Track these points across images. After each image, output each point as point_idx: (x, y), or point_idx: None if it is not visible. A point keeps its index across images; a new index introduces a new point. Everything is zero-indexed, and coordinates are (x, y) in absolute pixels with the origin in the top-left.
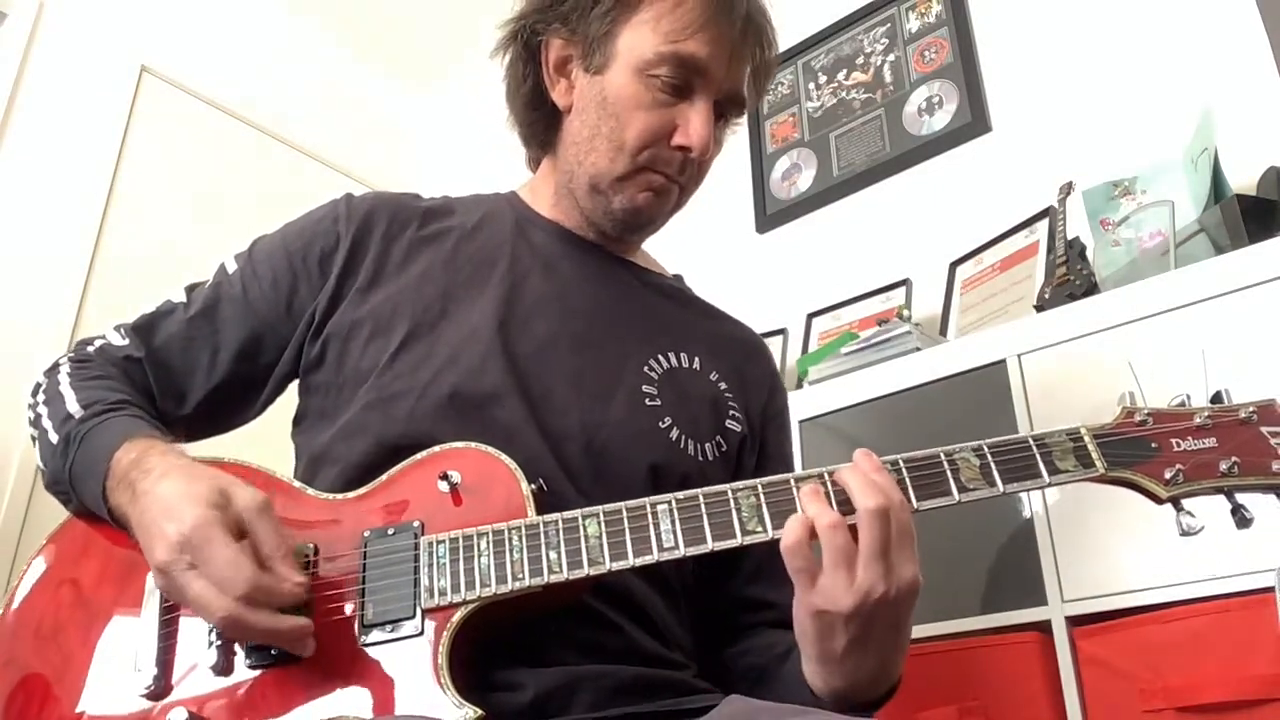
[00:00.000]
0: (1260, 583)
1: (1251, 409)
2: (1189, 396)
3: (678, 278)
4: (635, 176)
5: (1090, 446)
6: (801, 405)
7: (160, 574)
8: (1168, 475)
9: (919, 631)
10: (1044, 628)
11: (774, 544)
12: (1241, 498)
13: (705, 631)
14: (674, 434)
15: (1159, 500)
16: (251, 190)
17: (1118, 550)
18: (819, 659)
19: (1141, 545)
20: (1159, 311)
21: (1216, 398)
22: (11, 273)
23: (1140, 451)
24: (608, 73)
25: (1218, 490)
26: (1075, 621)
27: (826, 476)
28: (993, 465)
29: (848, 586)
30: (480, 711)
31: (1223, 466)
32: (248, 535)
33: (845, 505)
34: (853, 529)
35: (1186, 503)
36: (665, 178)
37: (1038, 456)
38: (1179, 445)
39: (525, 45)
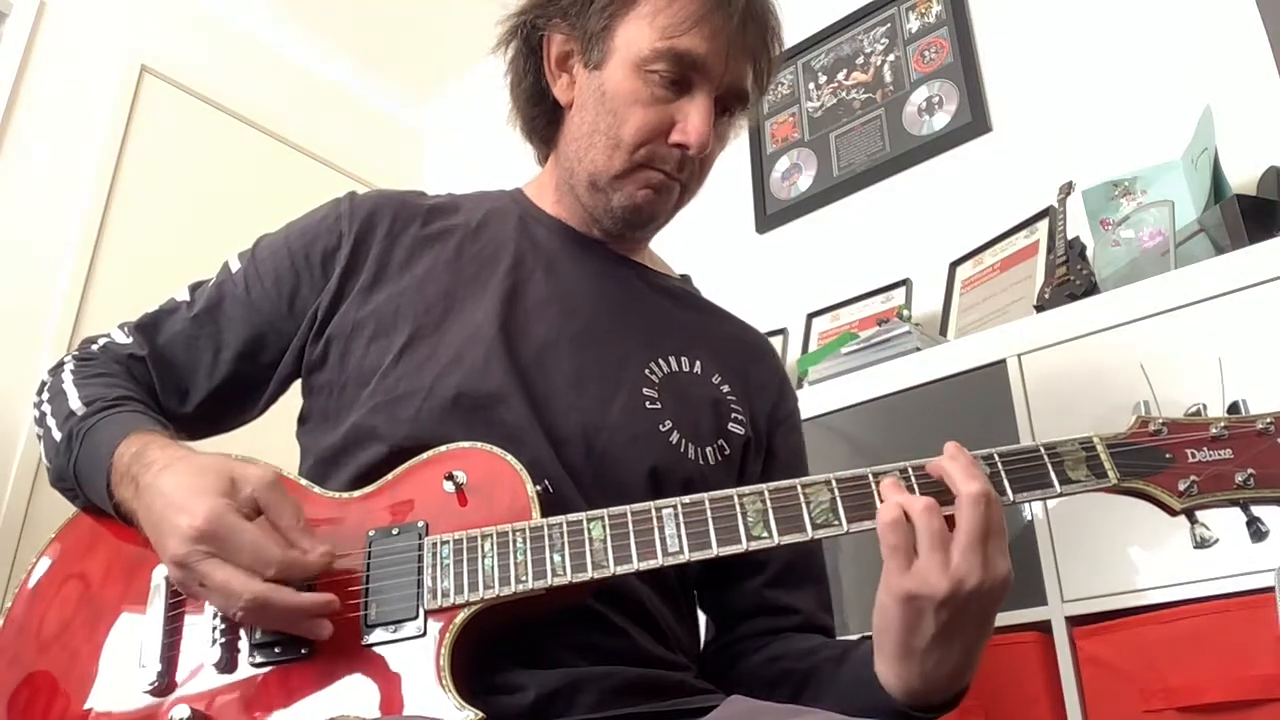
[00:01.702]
0: (1260, 583)
1: (1269, 420)
2: (1205, 406)
3: (685, 278)
4: (634, 174)
5: (1103, 456)
6: (801, 405)
7: (177, 567)
8: (1182, 487)
9: None
10: (1044, 628)
11: (799, 548)
12: (1257, 510)
13: (718, 632)
14: (674, 437)
15: (1173, 512)
16: (251, 190)
17: (1118, 550)
18: (899, 654)
19: (1142, 545)
20: (1159, 311)
21: (1233, 408)
22: (12, 273)
23: (1154, 462)
24: (606, 68)
25: (1233, 503)
26: (1075, 621)
27: (910, 470)
28: (1003, 474)
29: (943, 570)
30: (481, 714)
31: (1238, 478)
32: (263, 512)
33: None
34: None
35: (1200, 514)
36: (664, 175)
37: (1049, 466)
38: (1194, 456)
39: (525, 41)
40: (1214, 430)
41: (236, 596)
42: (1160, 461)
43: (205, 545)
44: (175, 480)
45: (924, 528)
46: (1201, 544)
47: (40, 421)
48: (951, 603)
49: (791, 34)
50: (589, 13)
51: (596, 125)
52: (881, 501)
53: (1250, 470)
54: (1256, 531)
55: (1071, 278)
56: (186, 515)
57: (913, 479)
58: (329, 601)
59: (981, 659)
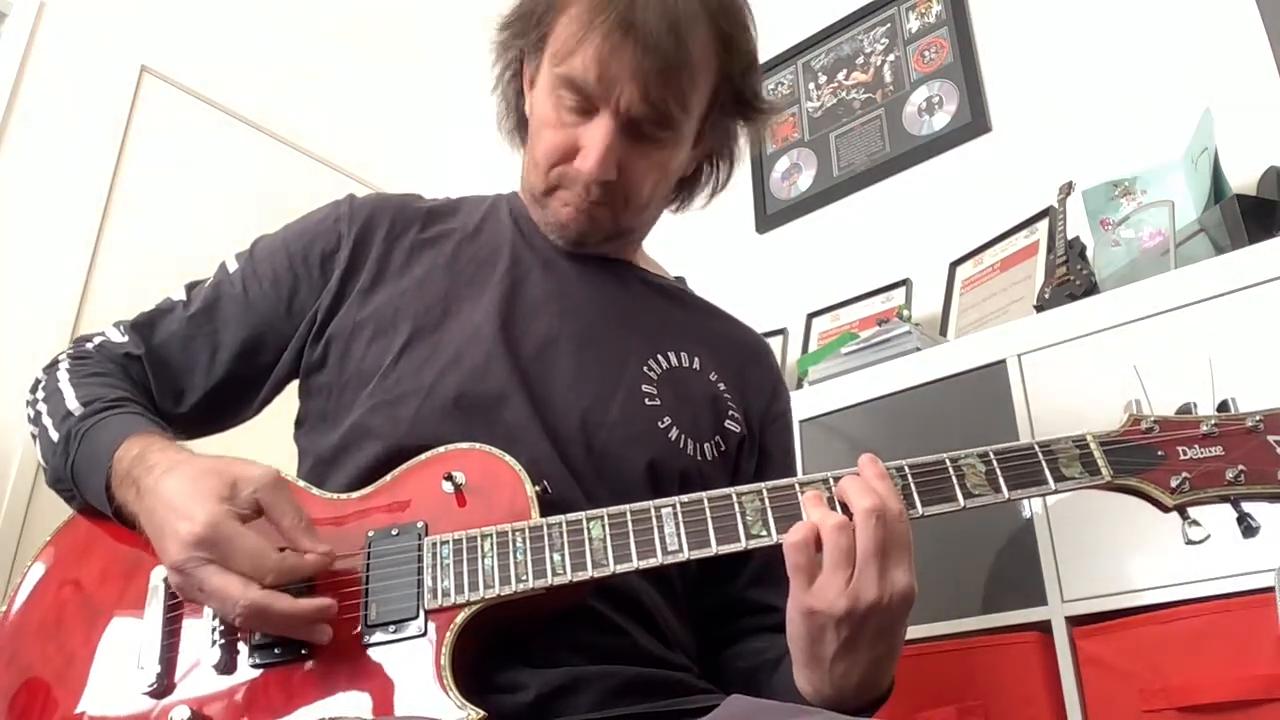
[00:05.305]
0: (1260, 583)
1: (1258, 418)
2: (1195, 404)
3: (680, 280)
4: (553, 193)
5: (1097, 454)
6: (801, 405)
7: (176, 572)
8: (1174, 483)
9: (919, 631)
10: (1044, 628)
11: (778, 548)
12: (1247, 506)
13: (705, 632)
14: (673, 434)
15: (1165, 508)
16: (251, 190)
17: (1118, 550)
18: (808, 663)
19: (1142, 545)
20: (1159, 311)
21: (1223, 406)
22: (12, 272)
23: (1147, 459)
24: (534, 90)
25: (1224, 499)
26: (1075, 621)
27: (831, 481)
28: (998, 471)
29: (842, 588)
30: (482, 713)
31: (1229, 475)
32: (265, 513)
33: (848, 511)
34: None
35: (1192, 512)
36: (580, 197)
37: (1044, 463)
38: (1185, 453)
39: (506, 63)
40: (1205, 428)
41: (234, 603)
42: (1153, 459)
43: (203, 551)
44: (176, 485)
45: (832, 546)
46: (1192, 541)
47: (35, 420)
48: (850, 619)
49: (791, 34)
50: (529, 37)
51: (530, 143)
52: (806, 516)
53: (1241, 467)
54: (1247, 528)
55: (1071, 278)
56: (186, 521)
57: (832, 490)
58: (327, 607)
59: (896, 667)
